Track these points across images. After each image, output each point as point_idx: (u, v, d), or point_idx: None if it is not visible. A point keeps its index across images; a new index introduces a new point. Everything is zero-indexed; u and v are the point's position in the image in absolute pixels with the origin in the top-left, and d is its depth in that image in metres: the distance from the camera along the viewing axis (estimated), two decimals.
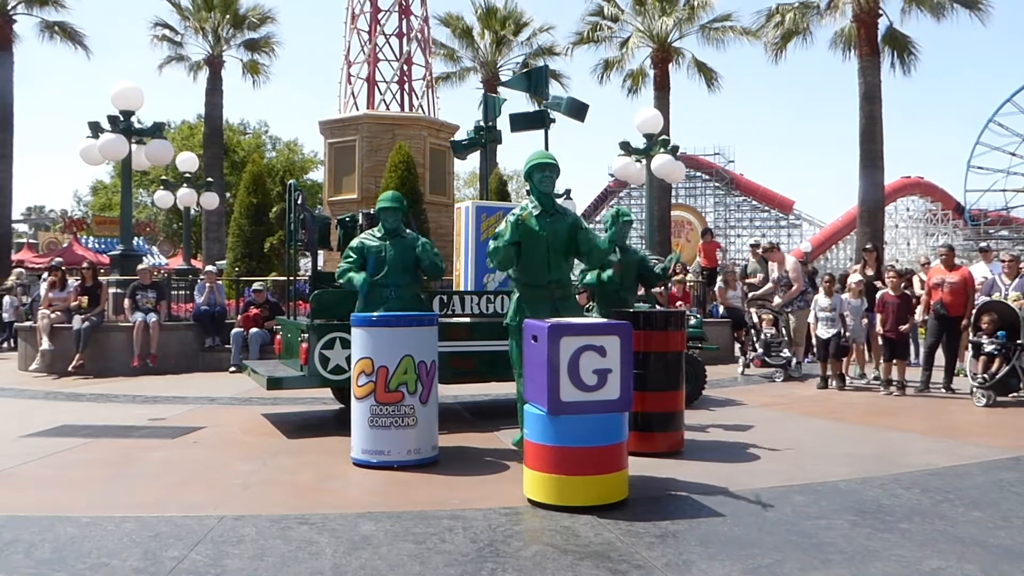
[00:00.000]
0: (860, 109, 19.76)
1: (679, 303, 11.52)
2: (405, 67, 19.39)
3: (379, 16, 19.29)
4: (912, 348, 11.37)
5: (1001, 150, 39.88)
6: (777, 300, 10.27)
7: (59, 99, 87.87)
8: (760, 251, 11.31)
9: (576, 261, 5.54)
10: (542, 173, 5.21)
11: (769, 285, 10.46)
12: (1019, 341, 7.90)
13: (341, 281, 6.00)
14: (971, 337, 8.40)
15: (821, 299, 9.30)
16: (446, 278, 8.01)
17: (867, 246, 12.74)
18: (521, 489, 4.38)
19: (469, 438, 6.12)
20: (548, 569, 3.29)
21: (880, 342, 9.16)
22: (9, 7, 20.54)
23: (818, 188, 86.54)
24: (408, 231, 6.08)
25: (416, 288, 6.04)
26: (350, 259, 5.92)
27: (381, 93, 19.32)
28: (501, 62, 27.15)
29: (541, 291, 5.17)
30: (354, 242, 6.03)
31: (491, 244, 5.22)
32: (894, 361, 8.73)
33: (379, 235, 5.96)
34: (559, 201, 5.53)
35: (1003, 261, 9.09)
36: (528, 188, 5.37)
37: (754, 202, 44.41)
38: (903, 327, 8.70)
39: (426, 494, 4.47)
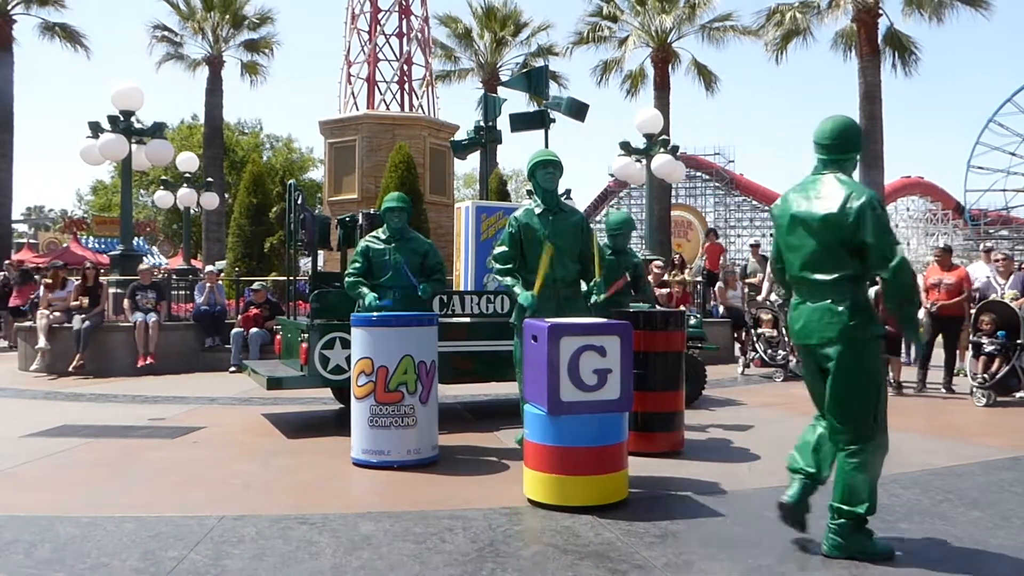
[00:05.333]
0: (860, 109, 19.77)
1: (679, 304, 11.51)
2: (405, 67, 19.38)
3: (379, 16, 19.28)
4: (912, 348, 11.39)
5: (1001, 150, 39.80)
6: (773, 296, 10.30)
7: (59, 99, 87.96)
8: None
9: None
10: (545, 170, 5.22)
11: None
12: (1019, 341, 7.91)
13: (348, 290, 5.97)
14: (971, 337, 8.41)
15: None
16: (447, 278, 8.02)
17: None
18: (521, 489, 4.38)
19: (469, 438, 6.12)
20: (548, 569, 3.29)
21: None
22: (9, 7, 20.54)
23: None
24: (416, 233, 6.07)
25: None
26: (356, 264, 5.90)
27: (381, 93, 19.31)
28: (501, 62, 27.16)
29: (546, 289, 5.16)
30: (360, 245, 6.02)
31: (495, 249, 5.26)
32: (889, 358, 8.79)
33: (383, 237, 5.95)
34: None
35: (996, 260, 9.13)
36: (529, 188, 5.40)
37: (754, 202, 44.32)
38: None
39: (426, 494, 4.47)
